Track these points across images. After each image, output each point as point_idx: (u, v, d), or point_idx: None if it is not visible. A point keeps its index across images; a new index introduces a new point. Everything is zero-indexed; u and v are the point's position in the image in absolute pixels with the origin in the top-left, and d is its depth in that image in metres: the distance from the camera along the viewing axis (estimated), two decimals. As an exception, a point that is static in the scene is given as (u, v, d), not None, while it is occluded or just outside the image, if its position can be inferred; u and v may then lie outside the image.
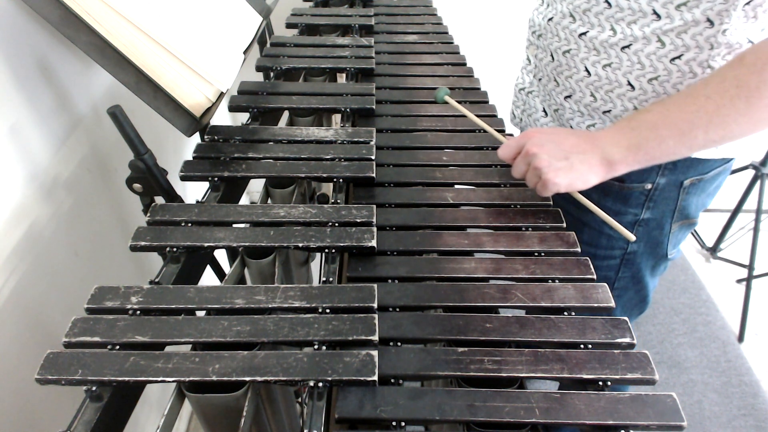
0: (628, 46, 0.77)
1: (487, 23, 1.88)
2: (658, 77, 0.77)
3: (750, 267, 1.93)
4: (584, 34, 0.80)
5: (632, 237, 0.75)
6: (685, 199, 0.86)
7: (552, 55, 0.87)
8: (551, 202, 0.81)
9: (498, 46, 1.83)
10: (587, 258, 0.71)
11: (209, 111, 0.85)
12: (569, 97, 0.88)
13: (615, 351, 0.60)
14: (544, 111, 0.95)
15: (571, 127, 0.89)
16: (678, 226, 0.90)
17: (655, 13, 0.72)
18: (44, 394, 0.85)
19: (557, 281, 0.68)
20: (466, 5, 1.87)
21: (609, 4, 0.76)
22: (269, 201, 0.97)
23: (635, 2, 0.73)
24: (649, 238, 0.90)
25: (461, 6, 1.86)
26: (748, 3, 0.68)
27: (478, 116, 0.87)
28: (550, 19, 0.85)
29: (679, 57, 0.75)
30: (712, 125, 0.65)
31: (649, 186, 0.84)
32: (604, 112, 0.84)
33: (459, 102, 0.91)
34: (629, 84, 0.80)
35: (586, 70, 0.82)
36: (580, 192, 0.74)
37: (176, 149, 1.37)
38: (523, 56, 0.99)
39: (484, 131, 0.87)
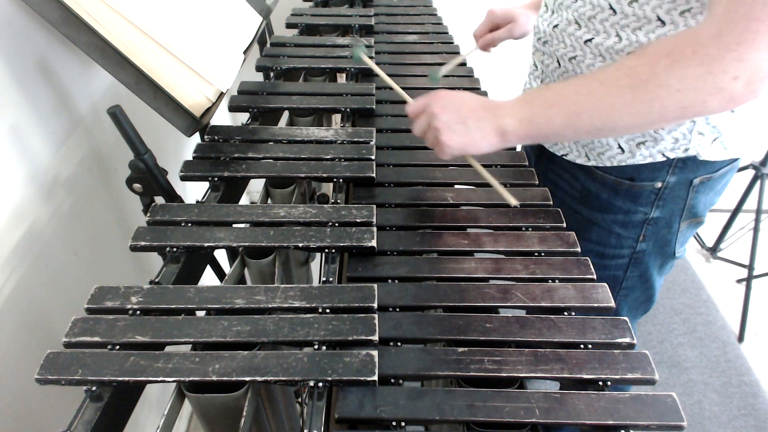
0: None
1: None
2: None
3: (750, 267, 1.93)
4: (590, 40, 0.80)
5: (513, 201, 0.76)
6: (694, 197, 0.86)
7: (558, 62, 0.87)
8: (551, 202, 0.81)
9: (498, 46, 1.82)
10: (587, 258, 0.71)
11: (209, 111, 0.85)
12: None
13: (615, 351, 0.60)
14: None
15: None
16: (686, 225, 0.90)
17: (659, 19, 0.72)
18: (44, 394, 0.85)
19: (557, 281, 0.68)
20: (466, 5, 1.87)
21: (614, 11, 0.75)
22: (269, 201, 0.97)
23: (640, 9, 0.73)
24: (657, 236, 0.90)
25: (461, 6, 1.86)
26: None
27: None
28: (556, 26, 0.85)
29: None
30: (596, 111, 0.64)
31: (659, 185, 0.84)
32: None
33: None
34: None
35: None
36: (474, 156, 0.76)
37: (176, 149, 1.37)
38: (528, 61, 0.99)
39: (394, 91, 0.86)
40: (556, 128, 0.67)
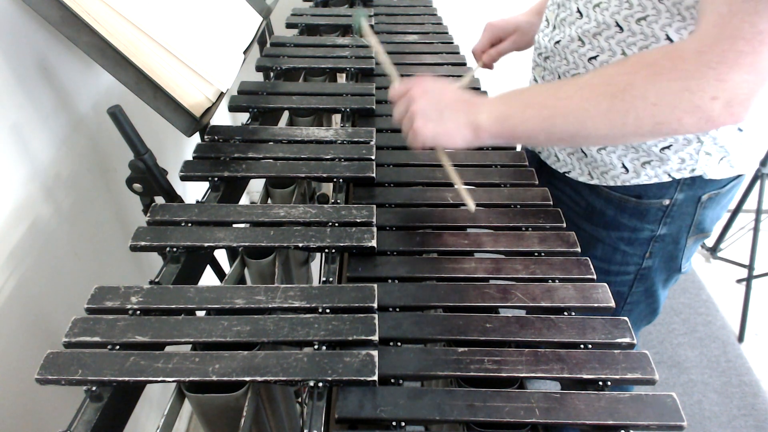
0: None
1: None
2: None
3: (750, 267, 1.93)
4: (594, 58, 0.77)
5: (472, 206, 0.75)
6: (702, 213, 0.84)
7: (560, 78, 0.84)
8: (551, 202, 0.81)
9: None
10: (587, 258, 0.71)
11: (209, 111, 0.85)
12: None
13: (615, 351, 0.60)
14: None
15: (581, 150, 0.86)
16: (693, 240, 0.88)
17: (668, 38, 0.69)
18: (44, 394, 0.85)
19: (557, 281, 0.68)
20: (466, 5, 1.87)
21: (621, 28, 0.72)
22: (269, 201, 0.97)
23: (648, 27, 0.70)
24: (664, 252, 0.88)
25: (461, 6, 1.86)
26: None
27: None
28: (558, 42, 0.82)
29: None
30: (571, 116, 0.62)
31: (667, 202, 0.81)
32: None
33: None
34: None
35: None
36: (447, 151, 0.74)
37: (176, 149, 1.37)
38: (527, 75, 0.96)
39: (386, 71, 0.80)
40: (529, 130, 0.66)
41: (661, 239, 0.86)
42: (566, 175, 0.89)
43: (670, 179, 0.79)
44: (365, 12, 0.83)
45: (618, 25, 0.73)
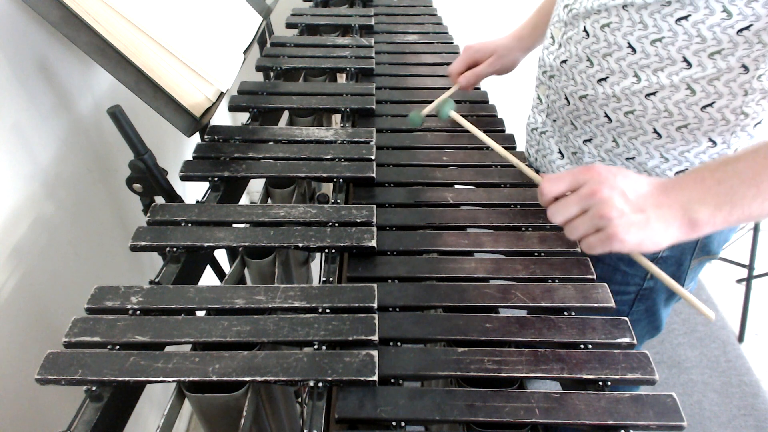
0: (653, 93, 0.72)
1: (487, 23, 1.88)
2: (688, 125, 0.72)
3: (750, 267, 1.93)
4: (604, 80, 0.74)
5: (712, 316, 0.62)
6: (708, 235, 0.76)
7: (567, 99, 0.82)
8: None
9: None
10: (587, 258, 0.71)
11: (209, 111, 0.85)
12: (589, 141, 0.83)
13: (615, 351, 0.60)
14: (560, 152, 0.89)
15: None
16: (698, 262, 0.85)
17: (685, 60, 0.67)
18: (44, 394, 0.85)
19: (557, 281, 0.68)
20: (466, 5, 1.87)
21: (633, 49, 0.70)
22: (269, 201, 0.97)
23: (663, 49, 0.68)
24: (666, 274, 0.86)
25: (461, 6, 1.86)
26: None
27: (485, 132, 0.76)
28: (564, 62, 0.80)
29: (710, 104, 0.70)
30: None
31: None
32: (627, 159, 0.80)
33: (464, 116, 0.79)
34: (655, 131, 0.74)
35: (606, 116, 0.77)
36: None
37: (176, 149, 1.37)
38: (531, 93, 0.95)
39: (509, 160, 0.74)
40: (753, 212, 0.55)
41: (663, 261, 0.83)
42: None
43: None
44: (452, 105, 0.77)
45: (630, 46, 0.70)
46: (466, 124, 0.77)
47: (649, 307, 0.91)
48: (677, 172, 0.75)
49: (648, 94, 0.72)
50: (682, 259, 0.84)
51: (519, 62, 1.02)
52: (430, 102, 1.02)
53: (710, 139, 0.74)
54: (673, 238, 0.57)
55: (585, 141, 0.83)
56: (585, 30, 0.75)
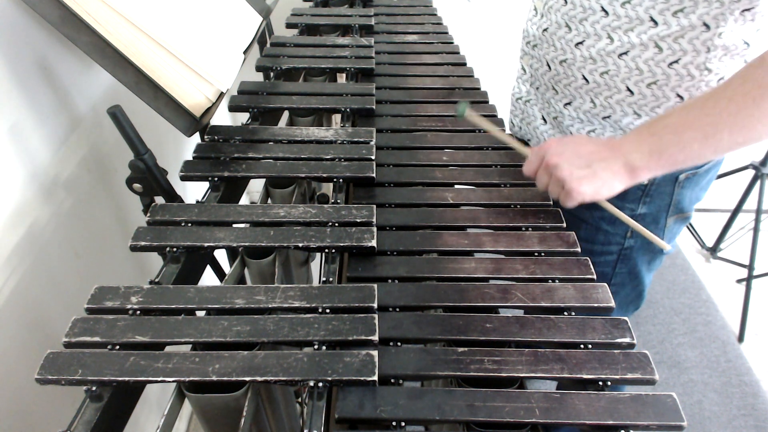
0: (625, 53, 0.78)
1: (487, 23, 1.88)
2: (657, 81, 0.78)
3: (750, 267, 1.93)
4: (581, 43, 0.80)
5: (667, 246, 0.74)
6: (679, 193, 0.87)
7: (548, 65, 0.87)
8: (551, 202, 0.81)
9: (499, 47, 1.83)
10: (587, 258, 0.71)
11: (209, 111, 0.85)
12: (569, 104, 0.88)
13: (615, 351, 0.60)
14: (543, 119, 0.95)
15: (570, 133, 0.89)
16: (673, 220, 0.91)
17: (652, 20, 0.73)
18: (44, 394, 0.85)
19: (557, 281, 0.68)
20: (466, 6, 1.87)
21: (606, 12, 0.76)
22: (269, 201, 0.97)
23: (633, 10, 0.74)
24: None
25: (461, 6, 1.86)
26: (747, 9, 0.69)
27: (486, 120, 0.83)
28: (545, 30, 0.86)
29: (676, 61, 0.76)
30: (736, 127, 0.64)
31: (645, 181, 0.85)
32: (604, 118, 0.85)
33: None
34: (628, 89, 0.81)
35: (584, 78, 0.83)
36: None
37: (176, 149, 1.37)
38: (516, 65, 1.00)
39: (508, 146, 0.84)
40: (692, 153, 0.66)
41: (641, 218, 0.89)
42: None
43: None
44: (466, 104, 0.81)
45: (603, 9, 0.77)
46: (483, 123, 0.83)
47: (632, 269, 0.96)
48: None
49: (621, 54, 0.78)
50: (658, 216, 0.90)
51: None
52: (430, 102, 1.03)
53: (678, 95, 0.79)
54: (622, 183, 0.69)
55: (565, 104, 0.89)
56: None
